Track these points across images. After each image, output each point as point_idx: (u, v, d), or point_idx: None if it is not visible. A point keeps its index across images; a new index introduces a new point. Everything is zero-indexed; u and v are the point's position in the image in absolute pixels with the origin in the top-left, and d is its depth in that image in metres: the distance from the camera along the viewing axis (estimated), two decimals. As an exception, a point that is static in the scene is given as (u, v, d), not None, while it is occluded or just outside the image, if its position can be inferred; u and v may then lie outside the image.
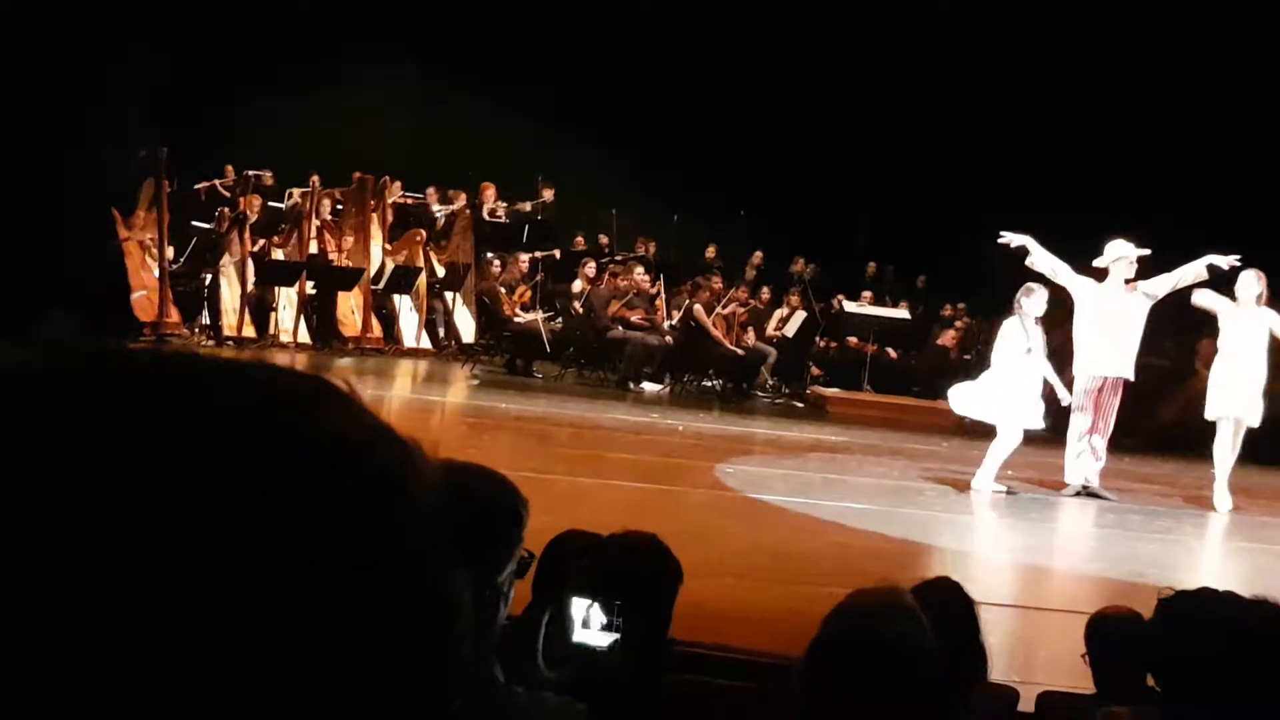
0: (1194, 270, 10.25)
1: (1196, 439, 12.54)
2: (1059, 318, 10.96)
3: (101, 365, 0.60)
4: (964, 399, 10.54)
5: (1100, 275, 10.41)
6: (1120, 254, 10.30)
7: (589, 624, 3.01)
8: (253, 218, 15.98)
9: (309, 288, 15.83)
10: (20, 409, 0.57)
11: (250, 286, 15.48)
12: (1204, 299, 10.36)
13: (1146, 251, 10.36)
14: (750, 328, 16.40)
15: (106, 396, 0.58)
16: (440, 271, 17.07)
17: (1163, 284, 10.34)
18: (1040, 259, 10.34)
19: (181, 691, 0.54)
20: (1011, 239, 10.41)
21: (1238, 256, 10.09)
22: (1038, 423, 10.22)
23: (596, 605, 3.06)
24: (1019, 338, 10.09)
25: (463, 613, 0.63)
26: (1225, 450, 10.32)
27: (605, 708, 2.14)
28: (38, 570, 0.53)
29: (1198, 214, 13.58)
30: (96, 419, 0.56)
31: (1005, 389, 10.12)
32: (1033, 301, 10.13)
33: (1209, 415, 10.52)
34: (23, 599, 0.53)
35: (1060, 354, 10.94)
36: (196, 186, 16.96)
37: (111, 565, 0.54)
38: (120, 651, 0.53)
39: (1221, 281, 10.36)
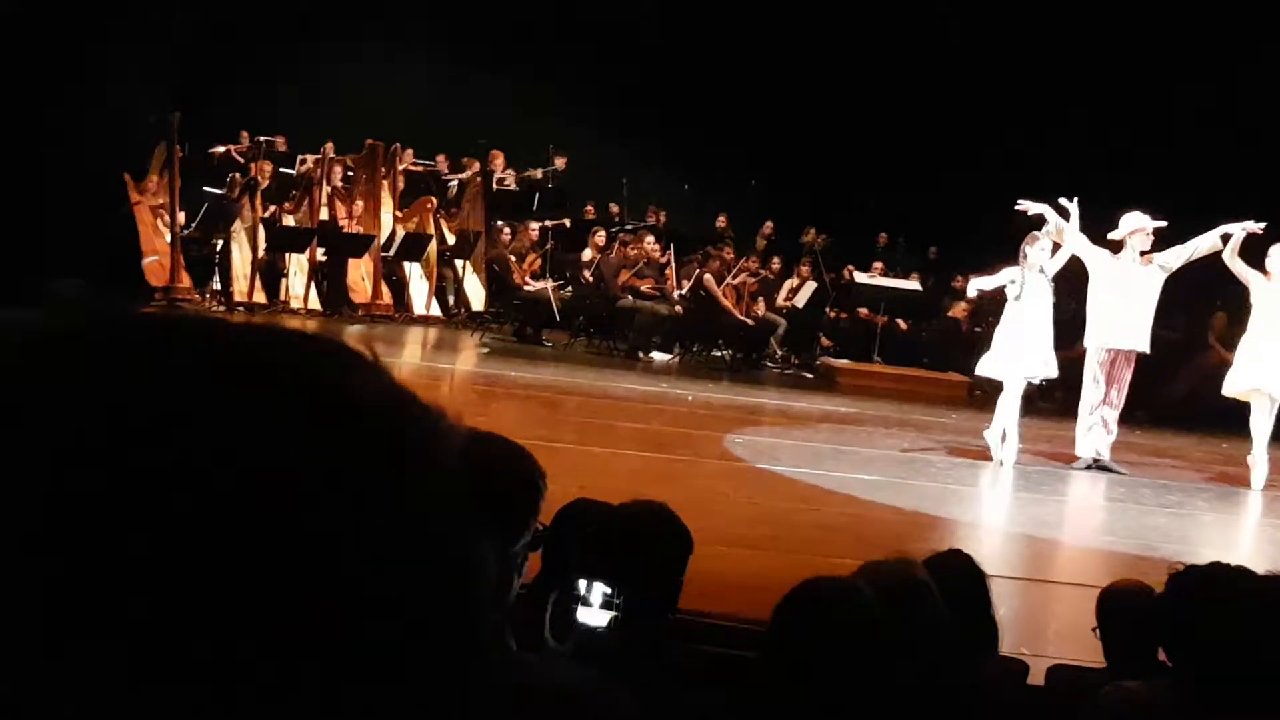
0: (1209, 241, 10.19)
1: (1207, 413, 12.52)
2: (1073, 288, 10.94)
3: (124, 330, 0.60)
4: (983, 362, 10.66)
5: (1116, 247, 10.36)
6: (1136, 226, 10.25)
7: (591, 602, 3.02)
8: (264, 183, 15.97)
9: (320, 254, 15.83)
10: (50, 375, 0.56)
11: (261, 252, 15.48)
12: (1238, 266, 10.25)
13: (1163, 223, 10.30)
14: (760, 298, 16.36)
15: (132, 361, 0.57)
16: (450, 239, 17.06)
17: (1178, 255, 10.28)
18: (1056, 227, 10.30)
19: (215, 652, 0.54)
20: (1029, 207, 10.37)
21: (1259, 224, 10.01)
22: (1040, 371, 10.21)
23: (599, 584, 3.06)
24: (1011, 284, 10.12)
25: (488, 578, 0.63)
26: (1262, 424, 10.22)
27: (608, 666, 2.14)
28: (79, 534, 0.53)
29: (1216, 184, 13.48)
30: (122, 384, 0.56)
31: (1001, 339, 10.23)
32: (1035, 251, 10.16)
33: (1237, 390, 10.44)
34: (65, 560, 0.53)
35: (1073, 324, 10.92)
36: (211, 150, 16.94)
37: (143, 528, 0.53)
38: (159, 614, 0.53)
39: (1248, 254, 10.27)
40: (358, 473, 0.58)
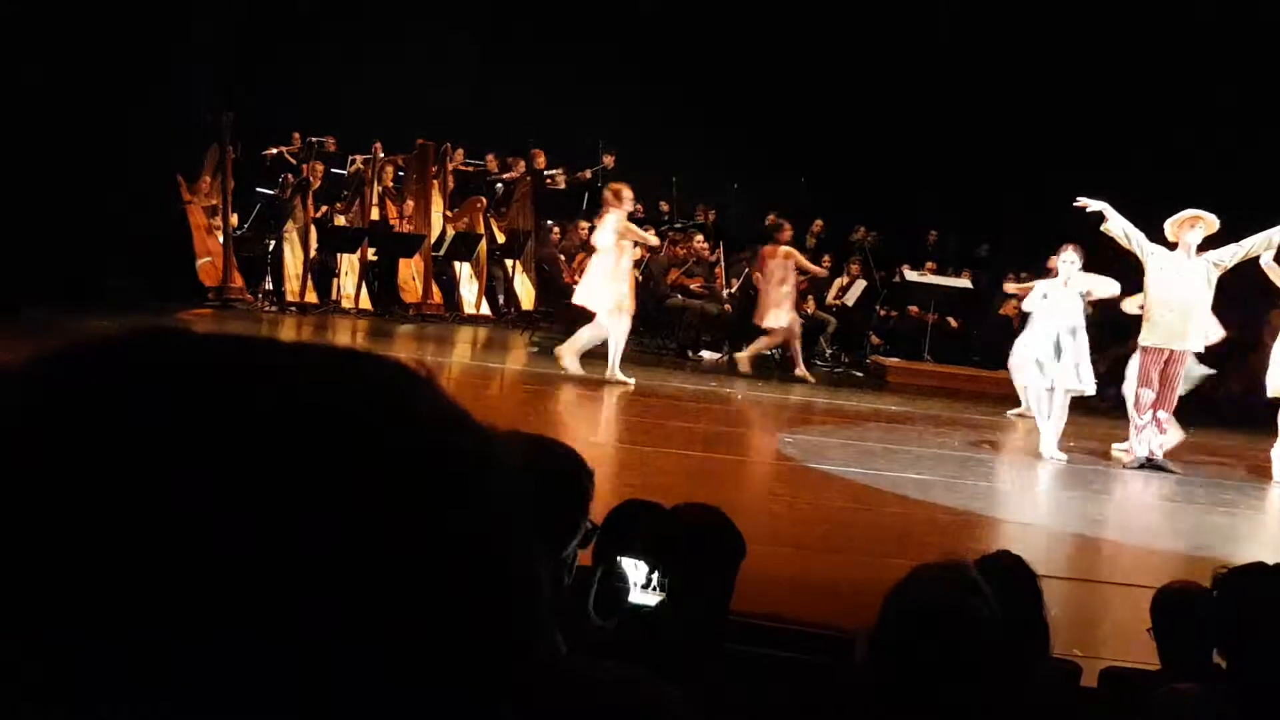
0: (1264, 240, 10.08)
1: (1263, 411, 12.37)
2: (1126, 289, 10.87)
3: (187, 353, 0.61)
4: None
5: (1172, 246, 10.25)
6: (1185, 215, 10.13)
7: (638, 583, 3.04)
8: (316, 184, 16.09)
9: (371, 254, 15.93)
10: (111, 401, 0.57)
11: (313, 252, 15.60)
12: (1275, 270, 10.21)
13: (1213, 218, 10.16)
14: (810, 296, 16.32)
15: (194, 386, 0.58)
16: (500, 238, 17.12)
17: (1232, 253, 10.16)
18: (1115, 225, 10.22)
19: (280, 671, 0.55)
20: (1088, 204, 10.29)
21: None
22: (1075, 385, 10.27)
23: (644, 564, 3.08)
24: (1043, 299, 10.58)
25: (543, 593, 0.64)
26: None
27: (660, 669, 2.15)
28: (148, 556, 0.54)
29: (1271, 181, 13.31)
30: (185, 410, 0.57)
31: (1023, 347, 10.50)
32: (1063, 265, 10.51)
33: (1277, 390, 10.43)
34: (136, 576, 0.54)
35: (1118, 324, 10.85)
36: (264, 152, 17.08)
37: (195, 545, 0.55)
38: (225, 632, 0.55)
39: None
40: (419, 495, 0.59)
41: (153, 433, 0.56)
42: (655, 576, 3.14)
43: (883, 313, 17.11)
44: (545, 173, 17.68)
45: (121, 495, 0.55)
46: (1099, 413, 13.13)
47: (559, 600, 2.57)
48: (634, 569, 3.26)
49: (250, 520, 0.55)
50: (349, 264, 15.79)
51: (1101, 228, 10.27)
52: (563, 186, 17.81)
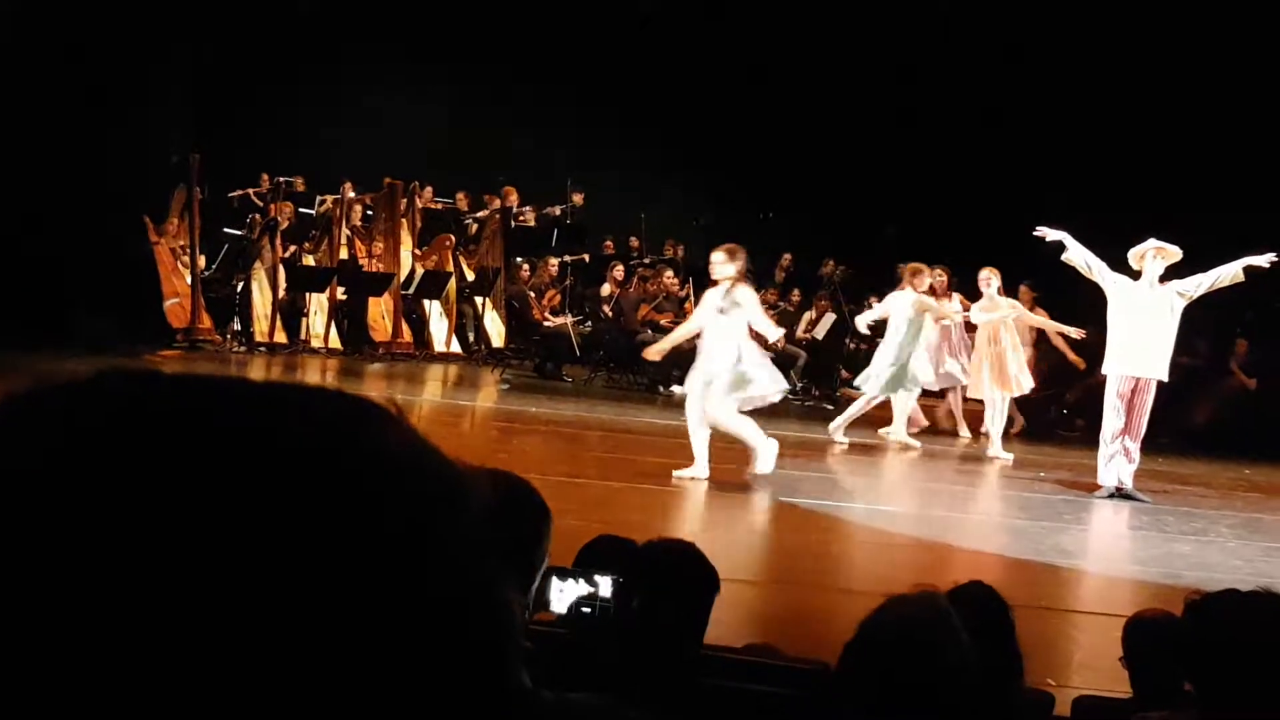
0: (1231, 271, 10.15)
1: (1230, 439, 12.48)
2: (1091, 316, 10.94)
3: (157, 393, 0.61)
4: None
5: (1135, 275, 10.34)
6: (1147, 246, 10.23)
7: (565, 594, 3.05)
8: (284, 224, 16.05)
9: (340, 293, 15.90)
10: (82, 442, 0.58)
11: (281, 292, 15.56)
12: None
13: (1175, 249, 10.25)
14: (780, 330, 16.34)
15: (166, 426, 0.58)
16: (470, 276, 17.11)
17: (1198, 284, 10.24)
18: (1076, 254, 10.30)
19: (249, 703, 0.55)
20: (1047, 233, 10.37)
21: (1277, 256, 10.02)
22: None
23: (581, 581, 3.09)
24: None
25: (515, 622, 0.64)
26: None
27: (633, 702, 2.14)
28: (111, 586, 0.55)
29: (1240, 213, 13.44)
30: (156, 449, 0.57)
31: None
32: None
33: None
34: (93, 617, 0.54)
35: (1093, 349, 10.92)
36: (231, 194, 17.05)
37: (173, 584, 0.55)
38: (188, 665, 0.55)
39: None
40: (390, 528, 0.59)
41: (124, 472, 0.56)
42: (591, 595, 3.16)
43: (852, 346, 17.16)
44: (515, 210, 17.70)
45: (93, 534, 0.55)
46: (1069, 442, 13.20)
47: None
48: (565, 585, 3.28)
49: (223, 556, 0.55)
50: (318, 303, 15.76)
51: (1062, 257, 10.35)
52: (532, 223, 17.84)
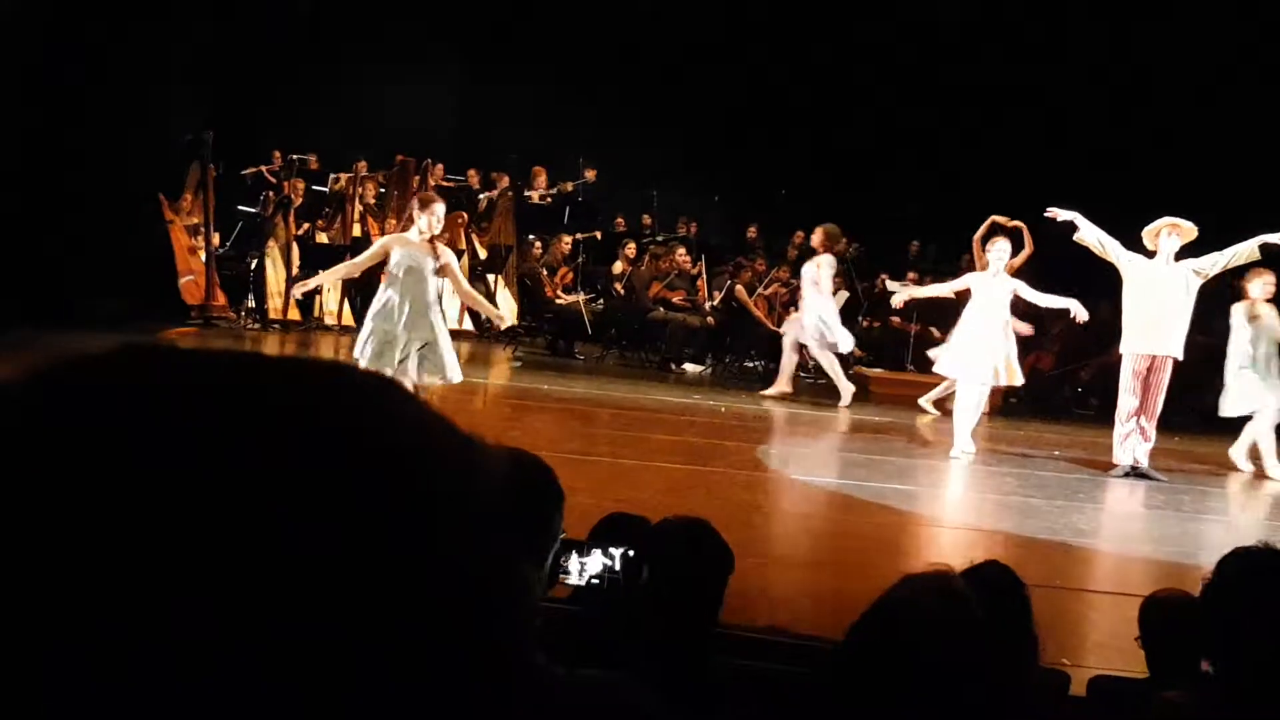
0: (1247, 249, 10.10)
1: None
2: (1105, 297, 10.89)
3: (174, 368, 0.61)
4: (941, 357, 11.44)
5: (1150, 253, 10.28)
6: (1161, 223, 10.17)
7: (583, 569, 3.04)
8: (297, 201, 16.06)
9: (353, 270, 15.88)
10: (104, 417, 0.58)
11: (295, 269, 15.57)
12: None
13: (1190, 226, 10.18)
14: (792, 308, 16.32)
15: (183, 400, 0.59)
16: (482, 254, 17.10)
17: (1214, 262, 10.18)
18: (1088, 233, 10.25)
19: (272, 676, 0.55)
20: (1059, 214, 10.32)
21: None
22: (989, 378, 10.72)
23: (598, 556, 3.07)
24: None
25: (529, 596, 0.64)
26: None
27: (647, 680, 2.13)
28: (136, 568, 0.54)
29: (1254, 193, 13.36)
30: (176, 422, 0.57)
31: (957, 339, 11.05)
32: (994, 257, 10.89)
33: None
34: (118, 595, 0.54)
35: (1109, 330, 10.86)
36: (244, 172, 17.05)
37: (197, 549, 0.55)
38: (215, 642, 0.54)
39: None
40: (406, 504, 0.59)
41: (146, 447, 0.56)
42: (604, 568, 3.14)
43: (865, 323, 17.12)
44: (525, 189, 17.68)
45: (116, 509, 0.55)
46: (1084, 420, 13.16)
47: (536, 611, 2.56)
48: (583, 560, 3.27)
49: (242, 530, 0.55)
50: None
51: (1075, 237, 10.30)
52: (544, 200, 17.80)
